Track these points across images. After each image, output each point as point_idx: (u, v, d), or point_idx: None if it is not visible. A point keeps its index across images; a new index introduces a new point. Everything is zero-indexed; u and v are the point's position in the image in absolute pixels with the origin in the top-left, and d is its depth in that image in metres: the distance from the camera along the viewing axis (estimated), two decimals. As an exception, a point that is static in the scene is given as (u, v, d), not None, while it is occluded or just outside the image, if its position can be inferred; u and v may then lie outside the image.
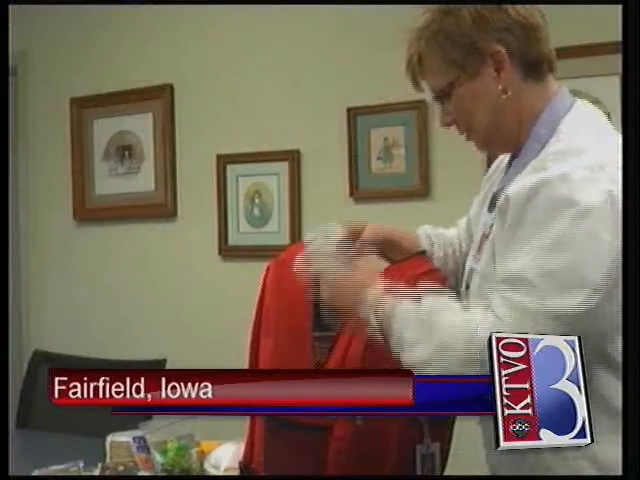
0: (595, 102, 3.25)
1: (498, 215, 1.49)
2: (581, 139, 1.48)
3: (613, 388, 1.41)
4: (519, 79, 1.56)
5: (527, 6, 1.58)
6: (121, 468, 2.05)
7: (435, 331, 1.44)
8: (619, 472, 1.36)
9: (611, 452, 1.38)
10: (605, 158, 1.42)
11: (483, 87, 1.56)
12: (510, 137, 1.59)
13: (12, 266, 3.93)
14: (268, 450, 1.68)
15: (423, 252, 1.79)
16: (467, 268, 1.65)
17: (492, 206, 1.60)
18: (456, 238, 1.90)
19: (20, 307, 4.38)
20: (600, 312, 1.38)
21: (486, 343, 1.36)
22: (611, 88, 3.05)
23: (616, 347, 1.41)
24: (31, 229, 4.39)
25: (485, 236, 1.59)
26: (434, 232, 1.91)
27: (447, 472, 1.73)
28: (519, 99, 1.56)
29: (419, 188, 3.46)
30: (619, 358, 1.40)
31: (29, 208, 4.39)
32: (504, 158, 1.71)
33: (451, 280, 1.74)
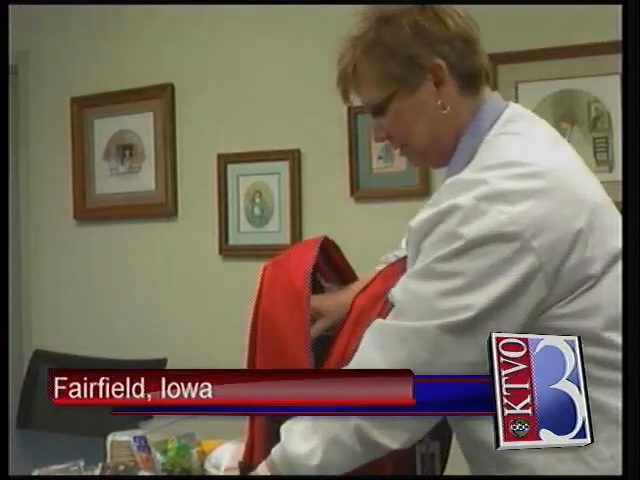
0: (595, 101, 3.28)
1: (407, 248, 1.49)
2: (484, 167, 1.42)
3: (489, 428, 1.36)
4: (457, 93, 1.52)
5: (464, 18, 1.52)
6: (121, 467, 2.05)
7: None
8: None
9: (550, 471, 1.38)
10: (502, 186, 1.37)
11: (422, 102, 1.51)
12: (446, 152, 1.54)
13: (12, 266, 3.94)
14: (268, 450, 1.67)
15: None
16: None
17: None
18: None
19: (20, 307, 4.38)
20: (483, 330, 1.34)
21: None
22: (611, 87, 3.05)
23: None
24: (31, 229, 4.39)
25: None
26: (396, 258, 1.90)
27: (447, 472, 1.73)
28: (457, 113, 1.52)
29: (420, 187, 3.46)
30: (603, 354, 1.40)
31: (29, 208, 4.40)
32: None
33: None
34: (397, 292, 1.43)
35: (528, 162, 1.40)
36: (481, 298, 1.35)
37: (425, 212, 1.42)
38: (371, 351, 1.41)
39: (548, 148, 1.49)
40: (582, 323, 1.38)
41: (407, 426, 1.41)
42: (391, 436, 1.40)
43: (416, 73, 1.50)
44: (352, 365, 1.44)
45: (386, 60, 1.51)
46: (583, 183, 1.45)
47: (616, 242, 1.42)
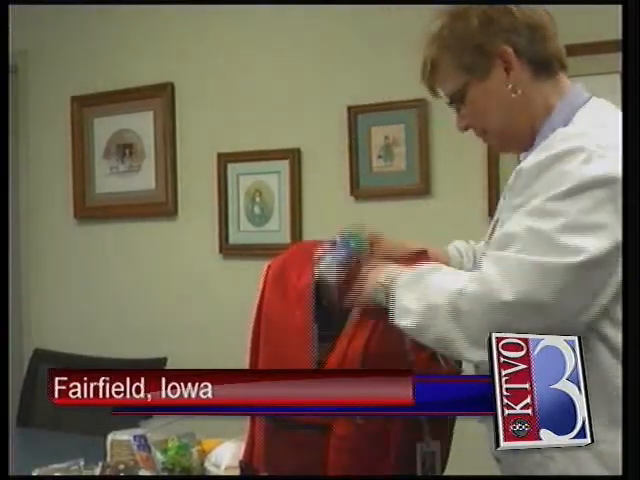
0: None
1: (507, 191, 1.54)
2: (592, 125, 1.49)
3: (614, 371, 1.41)
4: (529, 78, 1.58)
5: (532, 6, 1.59)
6: (122, 467, 2.05)
7: (425, 293, 1.48)
8: (619, 460, 1.37)
9: (612, 444, 1.38)
10: (612, 140, 1.43)
11: (493, 88, 1.58)
12: (525, 135, 1.60)
13: (12, 265, 3.94)
14: (269, 449, 1.68)
15: (424, 252, 1.79)
16: (479, 255, 1.68)
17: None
18: (472, 249, 1.92)
19: (20, 306, 4.38)
20: (596, 278, 1.39)
21: (473, 298, 1.40)
22: (611, 87, 3.04)
23: (616, 329, 1.41)
24: (31, 228, 4.39)
25: (496, 220, 1.62)
26: (464, 246, 1.93)
27: (447, 472, 1.73)
28: (530, 97, 1.58)
29: (420, 186, 3.46)
30: (616, 337, 1.41)
31: (29, 207, 4.39)
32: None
33: None
34: (514, 228, 1.44)
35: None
36: (594, 242, 1.37)
37: (538, 156, 1.46)
38: (496, 279, 1.41)
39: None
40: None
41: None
42: (471, 353, 1.44)
43: (485, 61, 1.58)
44: (471, 289, 1.44)
45: (458, 51, 1.59)
46: None
47: None
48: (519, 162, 1.68)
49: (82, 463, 2.06)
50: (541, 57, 1.59)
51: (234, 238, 3.89)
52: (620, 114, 1.55)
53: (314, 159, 3.71)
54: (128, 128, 4.13)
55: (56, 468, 2.04)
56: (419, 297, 1.48)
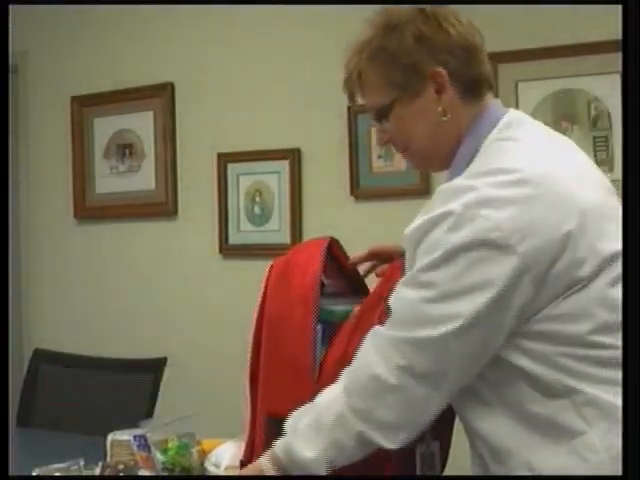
0: (595, 100, 3.28)
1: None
2: (475, 173, 1.45)
3: (530, 397, 1.42)
4: (458, 100, 1.55)
5: (467, 27, 1.56)
6: (121, 467, 2.05)
7: (315, 429, 1.47)
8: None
9: (547, 462, 1.41)
10: (490, 193, 1.39)
11: (423, 108, 1.55)
12: (447, 156, 1.58)
13: (12, 265, 3.94)
14: (269, 449, 1.68)
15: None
16: None
17: None
18: None
19: (20, 305, 4.39)
20: (474, 339, 1.39)
21: (358, 391, 1.44)
22: (611, 87, 3.05)
23: (526, 356, 1.42)
24: (31, 228, 4.40)
25: None
26: None
27: (447, 472, 1.73)
28: (458, 120, 1.55)
29: (420, 186, 3.46)
30: (530, 366, 1.41)
31: (29, 206, 4.40)
32: None
33: None
34: (392, 299, 1.47)
35: (517, 169, 1.42)
36: (469, 305, 1.38)
37: (418, 220, 1.46)
38: (372, 357, 1.45)
39: (543, 153, 1.50)
40: (571, 327, 1.40)
41: (406, 427, 1.45)
42: (391, 438, 1.45)
43: (417, 80, 1.54)
44: (354, 367, 1.48)
45: (389, 67, 1.55)
46: (577, 186, 1.46)
47: (612, 244, 1.43)
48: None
49: (82, 463, 2.05)
50: (473, 80, 1.55)
51: (234, 238, 3.89)
52: (533, 130, 1.55)
53: (314, 159, 3.71)
54: (128, 128, 4.13)
55: (56, 468, 2.04)
56: (314, 437, 1.46)
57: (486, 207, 1.38)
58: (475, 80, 1.56)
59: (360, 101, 1.65)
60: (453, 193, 1.42)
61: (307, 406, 1.52)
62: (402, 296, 1.45)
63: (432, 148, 1.59)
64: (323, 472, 1.46)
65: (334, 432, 1.45)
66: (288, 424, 1.52)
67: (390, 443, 1.45)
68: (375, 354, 1.44)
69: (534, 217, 1.38)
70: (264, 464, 1.52)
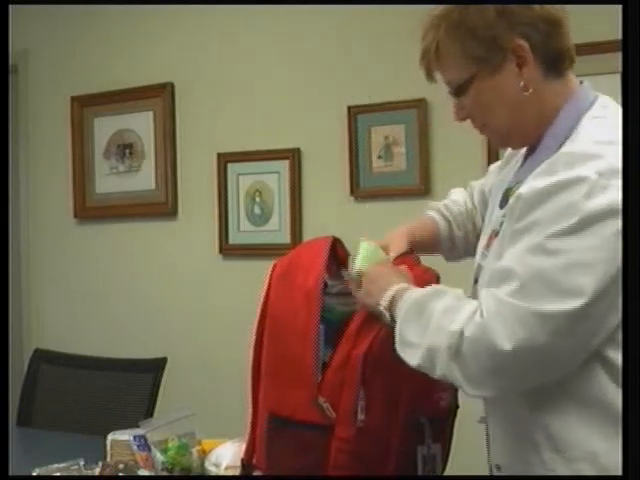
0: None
1: (508, 214, 1.47)
2: (596, 142, 1.43)
3: (612, 393, 1.40)
4: (541, 75, 1.50)
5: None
6: (122, 467, 2.05)
7: (427, 330, 1.45)
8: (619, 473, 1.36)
9: (613, 455, 1.37)
10: (617, 163, 1.37)
11: (504, 83, 1.50)
12: (528, 134, 1.55)
13: (12, 265, 3.94)
14: (269, 449, 1.68)
15: (411, 252, 1.78)
16: (476, 262, 1.64)
17: (504, 202, 1.58)
18: (472, 208, 1.90)
19: (21, 305, 4.39)
20: (596, 317, 1.36)
21: (472, 342, 1.38)
22: (612, 86, 3.05)
23: (614, 346, 1.39)
24: (31, 228, 4.40)
25: (495, 233, 1.56)
26: (448, 211, 1.90)
27: (447, 472, 1.73)
28: (540, 96, 1.51)
29: (419, 186, 3.46)
30: (617, 357, 1.39)
31: (30, 207, 4.40)
32: (515, 151, 1.68)
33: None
34: (514, 264, 1.40)
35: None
36: (596, 278, 1.33)
37: (540, 181, 1.40)
38: (495, 327, 1.38)
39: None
40: None
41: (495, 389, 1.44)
42: (474, 391, 1.43)
43: (498, 54, 1.49)
44: (470, 333, 1.40)
45: (468, 41, 1.50)
46: None
47: None
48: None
49: (82, 463, 2.06)
50: (555, 55, 1.51)
51: (234, 238, 3.89)
52: (618, 115, 1.51)
53: (314, 159, 3.71)
54: (128, 128, 4.13)
55: (56, 468, 2.04)
56: (421, 333, 1.45)
57: (617, 177, 1.35)
58: (558, 54, 1.52)
59: (438, 76, 1.58)
60: (581, 158, 1.38)
61: (422, 300, 1.49)
62: (528, 263, 1.38)
63: (513, 124, 1.54)
64: (411, 363, 1.46)
65: (438, 357, 1.42)
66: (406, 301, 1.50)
67: (467, 390, 1.43)
68: (499, 323, 1.37)
69: None
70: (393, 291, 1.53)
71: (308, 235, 3.64)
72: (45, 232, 4.37)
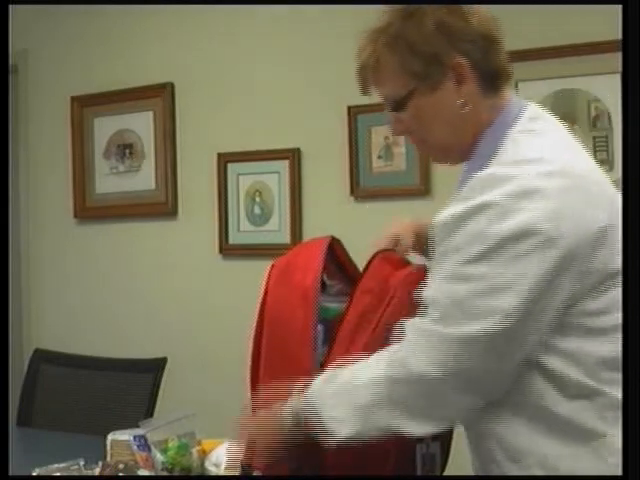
0: (595, 100, 3.28)
1: (434, 238, 1.47)
2: (514, 161, 1.43)
3: (551, 397, 1.41)
4: (478, 92, 1.51)
5: (488, 17, 1.52)
6: (122, 467, 2.05)
7: (350, 395, 1.46)
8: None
9: (565, 460, 1.40)
10: (533, 183, 1.37)
11: (443, 100, 1.51)
12: (465, 149, 1.54)
13: (12, 265, 3.93)
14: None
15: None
16: None
17: None
18: None
19: (21, 305, 4.39)
20: (515, 337, 1.37)
21: (402, 381, 1.41)
22: (611, 86, 3.05)
23: (551, 354, 1.40)
24: (32, 227, 4.39)
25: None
26: None
27: (447, 472, 1.73)
28: (478, 113, 1.51)
29: (419, 186, 3.46)
30: (555, 365, 1.40)
31: (30, 207, 4.40)
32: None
33: None
34: (432, 292, 1.42)
35: (554, 159, 1.41)
36: (516, 298, 1.35)
37: (454, 207, 1.41)
38: (418, 354, 1.41)
39: (569, 147, 1.50)
40: (606, 320, 1.39)
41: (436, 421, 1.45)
42: (419, 425, 1.44)
43: (438, 71, 1.49)
44: (399, 358, 1.43)
45: (408, 56, 1.50)
46: (603, 180, 1.47)
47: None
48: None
49: (82, 463, 2.06)
50: (494, 71, 1.52)
51: (234, 238, 3.89)
52: (550, 128, 1.53)
53: (314, 159, 3.71)
54: (128, 128, 4.13)
55: (56, 468, 2.04)
56: (346, 402, 1.46)
57: (528, 198, 1.35)
58: (496, 71, 1.53)
59: (373, 92, 1.58)
60: (492, 182, 1.39)
61: (332, 377, 1.50)
62: (446, 290, 1.40)
63: (451, 140, 1.55)
64: (344, 435, 1.45)
65: (372, 412, 1.44)
66: (312, 389, 1.50)
67: (416, 430, 1.44)
68: (421, 351, 1.40)
69: (575, 208, 1.36)
70: (285, 409, 1.52)
71: (308, 235, 3.63)
72: (45, 232, 4.37)
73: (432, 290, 1.43)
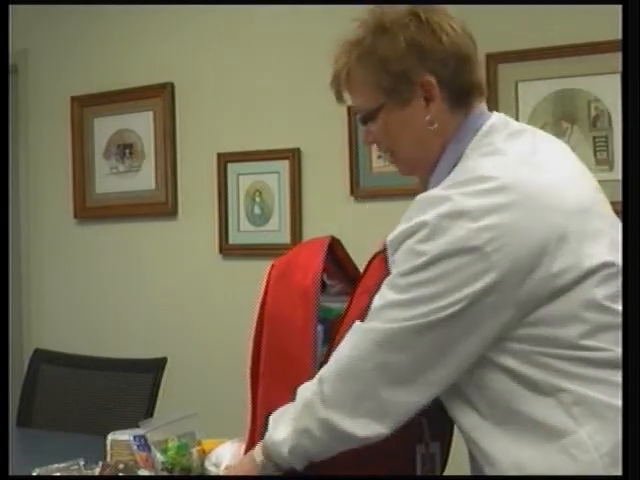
0: (595, 100, 3.28)
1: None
2: (456, 182, 1.45)
3: (519, 399, 1.42)
4: (447, 109, 1.53)
5: (461, 34, 1.53)
6: (122, 467, 2.05)
7: (290, 414, 1.53)
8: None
9: (538, 461, 1.41)
10: (465, 203, 1.39)
11: (411, 116, 1.54)
12: (431, 164, 1.57)
13: (12, 265, 3.94)
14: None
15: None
16: None
17: None
18: None
19: (21, 306, 4.39)
20: (443, 339, 1.41)
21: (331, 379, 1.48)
22: (611, 86, 3.05)
23: (505, 354, 1.42)
24: (32, 227, 4.40)
25: None
26: None
27: (447, 472, 1.73)
28: (444, 129, 1.54)
29: (419, 186, 3.44)
30: (515, 368, 1.42)
31: (30, 207, 4.40)
32: None
33: None
34: (375, 297, 1.49)
35: (496, 176, 1.42)
36: (441, 308, 1.39)
37: (397, 228, 1.47)
38: (346, 349, 1.48)
39: (522, 160, 1.48)
40: (558, 331, 1.40)
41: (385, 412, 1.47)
42: (364, 425, 1.46)
43: (407, 88, 1.52)
44: (330, 359, 1.51)
45: (378, 71, 1.53)
46: (563, 191, 1.45)
47: (600, 247, 1.42)
48: None
49: (82, 463, 2.06)
50: (463, 89, 1.54)
51: (234, 238, 3.89)
52: (515, 135, 1.53)
53: (314, 159, 3.71)
54: (128, 128, 4.13)
55: (56, 468, 2.04)
56: (286, 422, 1.52)
57: (460, 218, 1.38)
58: (465, 89, 1.54)
59: (347, 100, 1.63)
60: (428, 204, 1.43)
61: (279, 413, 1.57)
62: (383, 296, 1.47)
63: (417, 156, 1.59)
64: (291, 456, 1.51)
65: (303, 420, 1.50)
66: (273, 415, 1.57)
67: (362, 430, 1.46)
68: (350, 346, 1.47)
69: (510, 225, 1.38)
70: (255, 452, 1.58)
71: (308, 235, 3.64)
72: (45, 232, 4.37)
73: (377, 296, 1.49)
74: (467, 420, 1.48)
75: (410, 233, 1.43)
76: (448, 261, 1.38)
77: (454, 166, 1.51)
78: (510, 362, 1.42)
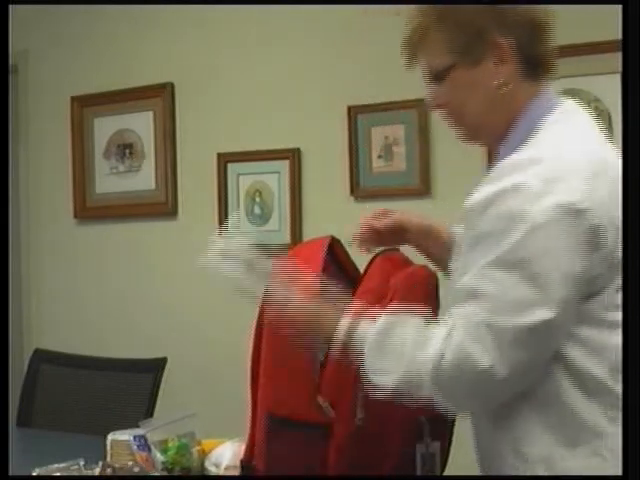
0: (595, 100, 3.27)
1: (464, 222, 1.47)
2: (547, 147, 1.44)
3: (572, 397, 1.40)
4: (518, 76, 1.51)
5: (540, 6, 1.53)
6: (121, 467, 2.05)
7: (400, 358, 1.44)
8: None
9: (570, 460, 1.40)
10: (565, 168, 1.38)
11: (481, 78, 1.51)
12: (495, 132, 1.54)
13: (12, 265, 3.93)
14: (269, 449, 1.68)
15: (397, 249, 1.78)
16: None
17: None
18: None
19: (21, 306, 4.39)
20: (558, 323, 1.36)
21: (452, 368, 1.38)
22: (611, 87, 3.05)
23: (576, 347, 1.40)
24: (32, 227, 4.40)
25: (456, 247, 1.57)
26: None
27: (447, 472, 1.73)
28: (513, 96, 1.51)
29: (420, 186, 3.46)
30: (578, 360, 1.40)
31: (30, 207, 4.40)
32: None
33: None
34: (477, 282, 1.39)
35: (585, 150, 1.43)
36: (560, 284, 1.35)
37: (483, 190, 1.41)
38: (472, 345, 1.38)
39: (600, 142, 1.51)
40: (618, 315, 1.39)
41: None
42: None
43: (479, 48, 1.50)
44: (448, 358, 1.40)
45: (454, 30, 1.51)
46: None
47: None
48: (489, 162, 1.65)
49: (82, 463, 2.06)
50: (536, 57, 1.52)
51: (234, 238, 3.88)
52: (585, 122, 1.53)
53: (314, 159, 3.71)
54: (128, 128, 4.13)
55: (56, 468, 2.04)
56: (397, 359, 1.44)
57: (559, 180, 1.36)
58: (538, 58, 1.53)
59: (417, 65, 1.58)
60: (522, 165, 1.40)
61: (386, 332, 1.47)
62: (490, 278, 1.38)
63: (483, 120, 1.55)
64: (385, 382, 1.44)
65: (413, 373, 1.42)
66: (368, 336, 1.48)
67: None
68: (474, 342, 1.37)
69: (604, 194, 1.38)
70: (342, 324, 1.50)
71: (308, 235, 3.63)
72: (45, 232, 4.37)
73: (474, 278, 1.40)
74: (503, 409, 1.44)
75: (503, 194, 1.37)
76: (559, 223, 1.35)
77: (527, 136, 1.48)
78: (576, 353, 1.40)
